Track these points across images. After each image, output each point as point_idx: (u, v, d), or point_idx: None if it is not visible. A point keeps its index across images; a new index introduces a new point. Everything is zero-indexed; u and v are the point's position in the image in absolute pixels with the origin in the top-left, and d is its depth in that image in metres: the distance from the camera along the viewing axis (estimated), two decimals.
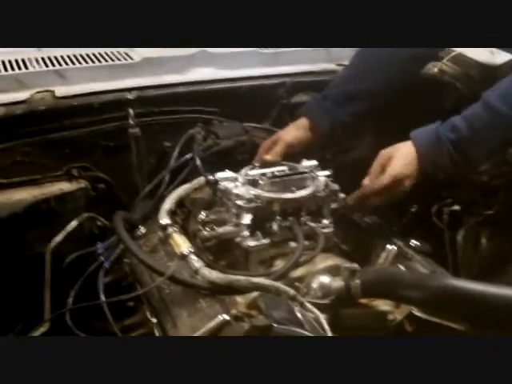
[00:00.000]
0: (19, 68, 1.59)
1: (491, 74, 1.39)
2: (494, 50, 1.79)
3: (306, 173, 1.34)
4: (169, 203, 1.37)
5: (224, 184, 1.32)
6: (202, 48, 1.74)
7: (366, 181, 1.36)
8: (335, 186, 1.34)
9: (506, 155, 1.51)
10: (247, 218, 1.25)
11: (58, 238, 1.44)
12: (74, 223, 1.47)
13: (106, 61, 1.67)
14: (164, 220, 1.30)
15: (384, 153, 1.36)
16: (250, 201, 1.25)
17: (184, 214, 1.40)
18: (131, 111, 1.57)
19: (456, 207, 1.65)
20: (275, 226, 1.27)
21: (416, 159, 1.33)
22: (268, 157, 1.44)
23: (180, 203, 1.40)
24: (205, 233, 1.28)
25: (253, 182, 1.30)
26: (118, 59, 1.69)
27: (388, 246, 1.29)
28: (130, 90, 1.60)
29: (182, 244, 1.24)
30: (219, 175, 1.34)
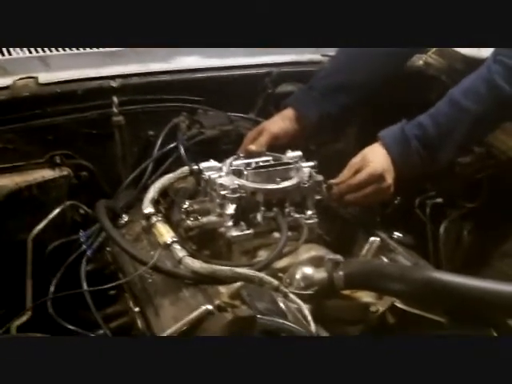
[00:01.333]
0: (2, 54, 1.57)
1: (476, 67, 1.39)
2: None
3: (290, 164, 1.34)
4: (152, 192, 1.35)
5: (208, 174, 1.31)
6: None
7: (335, 180, 1.37)
8: (319, 177, 1.34)
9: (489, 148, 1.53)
10: (231, 208, 1.25)
11: (40, 225, 1.42)
12: (56, 211, 1.46)
13: (91, 48, 1.65)
14: (147, 209, 1.30)
15: (355, 160, 1.38)
16: (234, 191, 1.25)
17: (167, 203, 1.39)
18: (115, 99, 1.56)
19: (439, 200, 1.66)
20: (259, 217, 1.28)
21: (388, 156, 1.34)
22: (253, 147, 1.43)
23: (163, 192, 1.39)
24: (188, 222, 1.27)
25: (237, 172, 1.30)
26: None
27: (371, 238, 1.29)
28: (114, 77, 1.58)
29: (165, 233, 1.24)
30: (203, 165, 1.34)
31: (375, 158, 1.34)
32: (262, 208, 1.28)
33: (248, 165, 1.32)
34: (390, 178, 1.34)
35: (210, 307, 1.10)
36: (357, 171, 1.35)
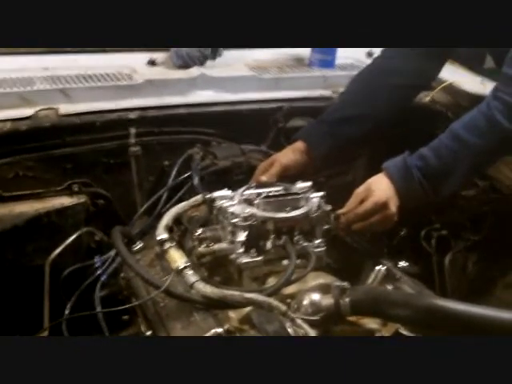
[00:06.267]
0: (25, 86, 1.63)
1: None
2: (485, 80, 1.86)
3: (299, 194, 1.38)
4: (166, 220, 1.39)
5: (220, 202, 1.35)
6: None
7: (342, 210, 1.41)
8: (328, 207, 1.38)
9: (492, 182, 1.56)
10: (242, 236, 1.29)
11: (57, 250, 1.46)
12: (73, 237, 1.50)
13: (110, 81, 1.71)
14: (161, 236, 1.33)
15: (359, 190, 1.42)
16: (245, 219, 1.29)
17: (181, 230, 1.43)
18: (132, 130, 1.62)
19: (444, 232, 1.69)
20: (269, 244, 1.31)
21: (391, 185, 1.39)
22: (264, 178, 1.48)
23: (177, 220, 1.43)
24: (200, 249, 1.31)
25: (248, 201, 1.34)
26: (121, 80, 1.73)
27: (377, 267, 1.32)
28: (131, 110, 1.65)
29: (178, 259, 1.27)
30: (216, 194, 1.38)
31: (379, 187, 1.38)
32: (272, 236, 1.32)
33: (259, 194, 1.37)
34: (393, 207, 1.38)
35: (219, 331, 1.14)
36: (362, 200, 1.39)
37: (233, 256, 1.30)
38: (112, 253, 1.45)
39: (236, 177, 1.62)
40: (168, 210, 1.46)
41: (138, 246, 1.47)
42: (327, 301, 1.20)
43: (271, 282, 1.30)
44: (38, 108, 1.56)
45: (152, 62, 1.87)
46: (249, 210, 1.31)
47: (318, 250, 1.35)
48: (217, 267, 1.34)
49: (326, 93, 1.90)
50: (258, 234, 1.31)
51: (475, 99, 1.73)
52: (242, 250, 1.29)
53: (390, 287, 1.32)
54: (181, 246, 1.35)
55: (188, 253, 1.32)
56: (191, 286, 1.21)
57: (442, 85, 1.86)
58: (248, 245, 1.30)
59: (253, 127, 1.77)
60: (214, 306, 1.21)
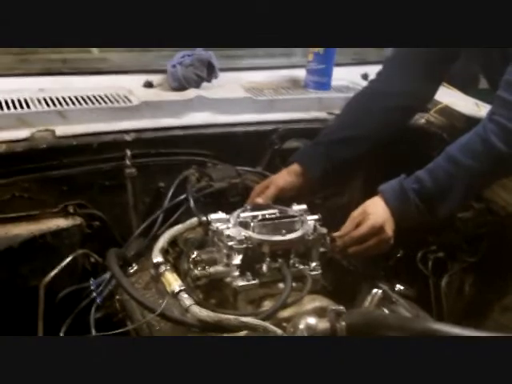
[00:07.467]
0: (21, 107, 1.64)
1: (475, 125, 1.44)
2: (479, 102, 1.87)
3: (295, 216, 1.38)
4: (162, 242, 1.39)
5: (216, 225, 1.35)
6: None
7: (338, 233, 1.41)
8: (323, 230, 1.37)
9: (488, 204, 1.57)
10: (237, 259, 1.28)
11: (53, 273, 1.45)
12: (68, 259, 1.49)
13: (106, 103, 1.72)
14: (157, 258, 1.33)
15: (355, 213, 1.42)
16: (240, 242, 1.29)
17: (176, 253, 1.43)
18: (128, 152, 1.62)
19: (441, 254, 1.69)
20: (264, 267, 1.31)
21: (387, 209, 1.39)
22: (260, 200, 1.48)
23: (173, 242, 1.43)
24: (196, 272, 1.30)
25: (244, 224, 1.34)
26: (118, 102, 1.74)
27: (373, 290, 1.32)
28: (128, 131, 1.65)
29: (173, 282, 1.27)
30: (211, 216, 1.38)
31: (375, 211, 1.39)
32: (268, 259, 1.31)
33: (255, 217, 1.37)
34: (389, 230, 1.38)
35: None
36: (358, 224, 1.39)
37: (228, 279, 1.30)
38: (107, 275, 1.44)
39: (232, 198, 1.62)
40: (164, 232, 1.46)
41: (134, 268, 1.47)
42: (323, 324, 1.19)
43: (267, 305, 1.29)
44: (34, 129, 1.57)
45: (148, 84, 1.88)
46: (244, 233, 1.31)
47: (314, 272, 1.34)
48: (212, 290, 1.33)
49: (322, 115, 1.91)
50: (253, 256, 1.30)
51: (470, 121, 1.74)
52: (237, 273, 1.28)
53: (386, 310, 1.31)
54: (176, 268, 1.35)
55: (183, 275, 1.32)
56: (187, 309, 1.21)
57: (438, 106, 1.88)
58: (244, 268, 1.29)
59: (248, 149, 1.78)
60: (210, 330, 1.20)
